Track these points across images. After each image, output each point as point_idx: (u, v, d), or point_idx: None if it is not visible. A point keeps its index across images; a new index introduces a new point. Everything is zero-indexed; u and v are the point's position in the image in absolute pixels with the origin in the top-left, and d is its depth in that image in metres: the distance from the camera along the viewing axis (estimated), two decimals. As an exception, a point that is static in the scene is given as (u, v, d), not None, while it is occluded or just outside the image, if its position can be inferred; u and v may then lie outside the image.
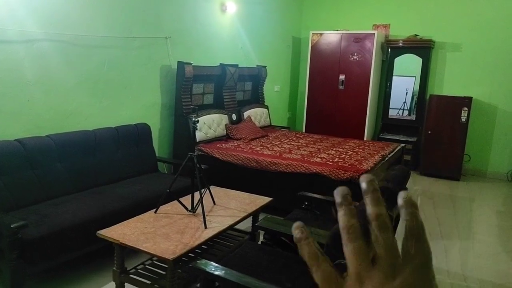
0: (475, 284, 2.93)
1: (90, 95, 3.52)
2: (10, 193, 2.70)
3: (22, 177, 2.79)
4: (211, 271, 1.82)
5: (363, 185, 0.38)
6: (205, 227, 2.51)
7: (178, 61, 4.19)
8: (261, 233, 2.97)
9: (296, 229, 0.38)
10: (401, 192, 0.37)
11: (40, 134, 3.06)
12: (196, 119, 2.67)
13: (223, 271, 1.82)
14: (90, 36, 3.43)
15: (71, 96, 3.36)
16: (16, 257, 2.25)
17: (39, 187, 2.88)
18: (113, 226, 2.46)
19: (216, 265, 1.88)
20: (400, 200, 0.36)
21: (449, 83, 5.98)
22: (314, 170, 3.57)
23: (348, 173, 3.43)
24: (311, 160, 3.77)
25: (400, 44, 5.96)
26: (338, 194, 0.38)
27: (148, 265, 2.62)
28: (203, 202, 2.62)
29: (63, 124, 3.28)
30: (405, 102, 6.47)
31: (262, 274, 2.02)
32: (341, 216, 0.36)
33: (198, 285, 1.88)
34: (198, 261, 1.89)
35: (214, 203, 2.91)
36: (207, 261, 1.90)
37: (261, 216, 2.96)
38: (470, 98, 5.49)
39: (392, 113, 6.33)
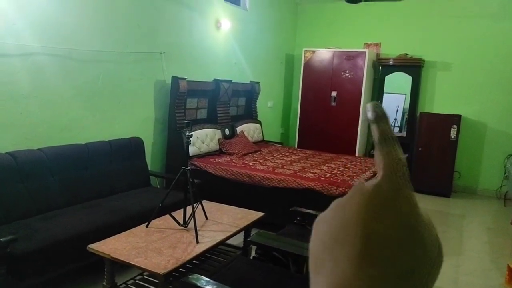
0: (466, 300, 2.94)
1: (84, 109, 3.52)
2: (0, 206, 2.67)
3: (12, 190, 2.77)
4: (203, 286, 1.81)
5: (369, 113, 0.39)
6: (197, 242, 2.50)
7: (172, 76, 4.23)
8: (253, 248, 2.96)
9: (370, 108, 0.39)
10: (368, 104, 0.39)
11: (33, 147, 3.05)
12: (190, 134, 2.69)
13: (215, 286, 1.81)
14: (85, 50, 3.46)
15: (65, 110, 3.36)
16: (5, 272, 2.22)
17: (30, 201, 2.85)
18: (104, 240, 2.44)
19: (208, 279, 1.87)
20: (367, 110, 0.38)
21: (439, 101, 6.09)
22: (307, 186, 3.59)
23: (340, 189, 3.46)
24: (304, 176, 3.79)
25: (391, 62, 6.08)
26: (370, 109, 0.39)
27: (139, 280, 2.59)
28: (195, 216, 2.62)
29: (56, 137, 3.27)
30: (395, 119, 6.55)
31: (254, 289, 2.01)
32: (377, 127, 0.38)
33: (190, 300, 1.86)
34: (190, 276, 1.88)
35: (206, 218, 2.90)
36: (199, 275, 1.90)
37: (253, 231, 2.96)
38: (459, 116, 5.59)
39: (383, 130, 6.38)
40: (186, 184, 2.72)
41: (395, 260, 0.34)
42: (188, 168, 2.73)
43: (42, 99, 3.17)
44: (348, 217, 0.36)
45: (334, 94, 6.27)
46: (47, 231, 2.53)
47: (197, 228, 2.57)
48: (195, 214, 2.64)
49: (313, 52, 6.41)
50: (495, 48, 5.63)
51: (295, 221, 2.98)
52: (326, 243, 0.37)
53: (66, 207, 3.02)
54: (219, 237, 2.61)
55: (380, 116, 0.38)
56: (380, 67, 6.23)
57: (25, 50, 3.01)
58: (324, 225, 0.39)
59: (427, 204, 5.31)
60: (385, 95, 6.24)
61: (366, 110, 0.39)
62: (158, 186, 4.18)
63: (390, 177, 0.35)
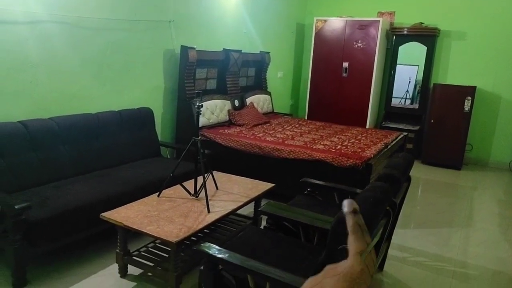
0: (476, 271, 2.95)
1: (93, 78, 3.49)
2: (13, 174, 2.69)
3: (24, 159, 2.79)
4: (215, 254, 1.82)
5: (345, 208, 0.56)
6: (208, 211, 2.52)
7: (181, 46, 4.15)
8: (263, 218, 2.98)
9: (348, 204, 0.53)
10: (345, 201, 0.54)
11: (43, 116, 3.05)
12: (201, 104, 2.65)
13: (227, 254, 1.82)
14: (94, 18, 3.39)
15: (75, 79, 3.33)
16: (20, 238, 2.26)
17: (41, 169, 2.87)
18: (116, 209, 2.46)
19: (220, 248, 1.88)
20: (344, 209, 0.54)
21: (453, 72, 5.94)
22: (317, 157, 3.57)
23: (351, 160, 3.43)
24: (314, 147, 3.76)
25: (405, 32, 5.90)
26: (347, 206, 0.54)
27: (151, 247, 2.64)
28: (206, 186, 2.63)
29: (66, 106, 3.26)
30: (407, 91, 6.43)
31: (265, 258, 2.03)
32: (349, 221, 0.52)
33: (202, 267, 1.88)
34: (201, 244, 1.89)
35: (217, 188, 2.91)
36: (211, 244, 1.91)
37: (263, 202, 2.97)
38: (474, 88, 5.46)
39: (395, 102, 6.29)
40: (197, 155, 2.72)
41: None
42: (199, 138, 2.71)
43: (51, 68, 3.14)
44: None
45: (345, 64, 6.13)
46: (59, 199, 2.56)
47: (208, 198, 2.57)
48: (206, 184, 2.64)
49: (325, 21, 6.23)
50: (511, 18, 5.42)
51: (305, 192, 2.97)
52: None
53: (77, 176, 3.04)
54: (230, 207, 2.62)
55: (355, 211, 0.53)
56: (394, 37, 6.05)
57: (33, 18, 2.95)
58: None
59: (437, 176, 5.28)
60: (397, 66, 6.10)
61: (343, 205, 0.53)
62: (168, 157, 4.18)
63: (358, 259, 0.48)
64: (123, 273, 2.53)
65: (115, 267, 2.57)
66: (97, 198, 2.68)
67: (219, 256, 1.81)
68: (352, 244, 0.49)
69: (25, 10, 2.89)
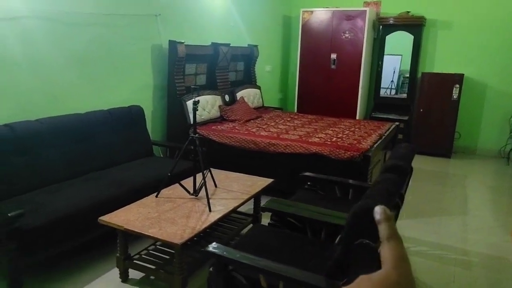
0: (476, 258, 2.97)
1: (79, 76, 3.36)
2: (2, 180, 2.56)
3: (12, 164, 2.65)
4: (225, 255, 1.76)
5: (378, 215, 0.48)
6: (210, 210, 2.45)
7: (169, 40, 4.04)
8: (264, 215, 2.93)
9: (381, 212, 0.47)
10: (376, 208, 0.48)
11: (30, 118, 2.90)
12: (197, 99, 2.57)
13: (238, 254, 1.76)
14: (76, 12, 3.25)
15: (60, 77, 3.19)
16: (14, 247, 2.14)
17: (31, 174, 2.74)
18: (115, 212, 2.37)
19: (229, 248, 1.82)
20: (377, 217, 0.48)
21: (440, 61, 5.97)
22: (314, 150, 3.53)
23: (349, 153, 3.40)
24: (310, 140, 3.72)
25: (391, 21, 5.90)
26: (379, 213, 0.48)
27: (152, 250, 2.56)
28: (206, 185, 2.55)
29: (53, 107, 3.12)
30: (392, 81, 6.45)
31: (275, 256, 1.98)
32: (384, 229, 0.47)
33: (211, 269, 1.82)
34: (210, 245, 1.82)
35: (216, 186, 2.84)
36: (219, 245, 1.84)
37: (263, 199, 2.92)
38: (462, 75, 5.50)
39: (382, 92, 6.30)
40: (192, 153, 2.63)
41: None
42: (197, 135, 2.63)
43: (34, 67, 2.99)
44: None
45: (333, 56, 6.10)
46: (52, 205, 2.45)
47: (209, 197, 2.50)
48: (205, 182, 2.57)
49: (311, 12, 6.18)
50: (498, 6, 5.47)
51: (305, 187, 2.93)
52: None
53: (69, 180, 2.92)
54: (232, 204, 2.55)
55: (389, 217, 0.47)
56: (381, 27, 6.05)
57: (13, 14, 2.80)
58: None
59: (427, 165, 5.32)
60: (384, 57, 6.10)
61: (374, 211, 0.48)
62: (162, 155, 4.08)
63: (397, 270, 0.43)
64: (124, 277, 2.45)
65: (115, 272, 2.47)
66: (92, 201, 2.58)
67: (230, 257, 1.75)
68: (387, 252, 0.44)
69: (3, 5, 2.73)
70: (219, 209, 2.48)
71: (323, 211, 2.25)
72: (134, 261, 2.41)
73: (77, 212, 2.47)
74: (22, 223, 2.17)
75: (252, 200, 2.95)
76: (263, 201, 2.47)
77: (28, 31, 2.92)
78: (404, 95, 6.19)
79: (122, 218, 2.29)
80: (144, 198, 2.60)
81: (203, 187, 2.55)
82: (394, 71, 6.43)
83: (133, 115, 3.66)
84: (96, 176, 3.01)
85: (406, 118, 5.98)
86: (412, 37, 5.86)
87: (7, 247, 2.13)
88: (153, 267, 2.38)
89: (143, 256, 2.48)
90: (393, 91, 6.46)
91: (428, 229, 3.41)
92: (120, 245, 2.35)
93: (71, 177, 2.96)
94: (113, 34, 3.61)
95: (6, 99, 2.84)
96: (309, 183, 2.93)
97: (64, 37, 3.19)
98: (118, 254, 2.38)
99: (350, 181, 2.81)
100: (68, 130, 3.05)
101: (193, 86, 2.55)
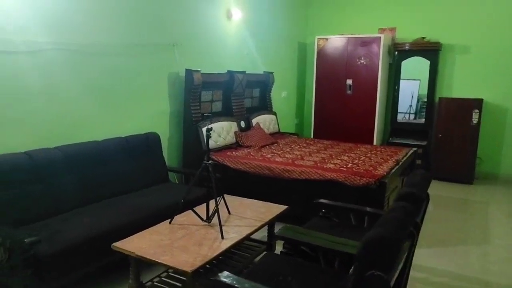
0: (499, 290, 2.84)
1: (97, 104, 3.46)
2: (19, 207, 2.61)
3: (30, 191, 2.71)
4: (234, 284, 1.74)
5: None
6: (222, 238, 2.44)
7: (186, 69, 4.14)
8: (279, 242, 2.89)
9: None
10: None
11: (48, 145, 2.98)
12: (210, 127, 2.61)
13: (246, 284, 1.74)
14: (95, 44, 3.38)
15: (78, 106, 3.29)
16: (30, 274, 2.17)
17: (48, 201, 2.80)
18: (128, 238, 2.39)
19: (238, 278, 1.80)
20: None
21: (458, 86, 5.91)
22: (329, 177, 3.50)
23: (364, 179, 3.36)
24: (325, 167, 3.69)
25: (407, 47, 5.91)
26: None
27: (164, 277, 2.55)
28: (219, 211, 2.55)
29: (71, 134, 3.20)
30: (410, 105, 6.41)
31: (286, 286, 1.94)
32: None
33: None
34: (220, 274, 1.81)
35: (229, 213, 2.83)
36: (229, 273, 1.82)
37: (277, 225, 2.89)
38: (481, 100, 5.42)
39: (399, 117, 6.25)
40: (206, 179, 2.65)
41: None
42: (210, 162, 2.65)
43: (53, 96, 3.10)
44: None
45: (349, 82, 6.13)
46: (68, 231, 2.48)
47: (221, 224, 2.50)
48: (218, 209, 2.57)
49: (326, 39, 6.26)
50: (516, 28, 5.44)
51: (320, 214, 2.89)
52: None
53: (85, 206, 2.97)
54: (245, 232, 2.54)
55: None
56: (396, 52, 6.06)
57: (34, 47, 2.93)
58: None
59: (448, 192, 5.19)
60: (400, 81, 6.09)
61: None
62: (177, 182, 4.12)
63: None
64: (136, 305, 2.43)
65: (127, 299, 2.47)
66: (107, 228, 2.60)
67: (238, 286, 1.73)
68: None
69: (25, 39, 2.87)
70: (232, 237, 2.47)
71: (337, 240, 2.21)
72: (146, 288, 2.41)
73: (92, 238, 2.49)
74: (37, 250, 2.20)
75: (266, 226, 2.93)
76: (277, 228, 2.45)
77: (48, 62, 3.04)
78: (422, 120, 6.12)
79: (135, 244, 2.30)
80: (158, 225, 2.61)
81: (216, 213, 2.55)
82: (413, 96, 6.40)
83: (150, 142, 3.73)
84: (111, 203, 3.05)
85: (424, 143, 5.89)
86: (429, 62, 5.84)
87: (23, 274, 2.16)
88: (165, 295, 2.36)
89: (155, 283, 2.47)
90: (412, 116, 6.40)
91: (447, 258, 3.29)
92: (133, 272, 2.35)
93: (87, 203, 3.01)
94: (131, 63, 3.73)
95: (26, 127, 2.94)
96: (323, 210, 2.90)
97: (82, 66, 3.31)
98: (130, 281, 2.38)
99: (366, 208, 2.76)
100: (85, 157, 3.12)
101: (205, 114, 2.59)
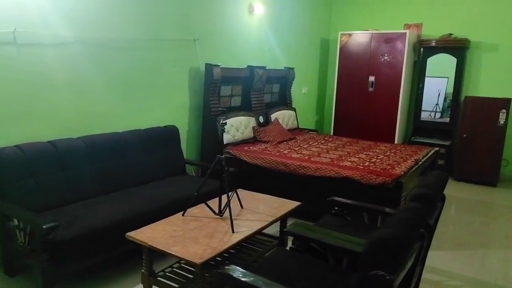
0: (518, 297, 2.76)
1: (119, 97, 3.55)
2: (42, 193, 2.74)
3: (53, 178, 2.83)
4: (239, 277, 1.76)
5: None
6: (233, 231, 2.46)
7: (206, 63, 4.18)
8: (290, 238, 2.90)
9: None
10: None
11: (71, 135, 3.10)
12: (224, 121, 2.63)
13: (251, 278, 1.76)
14: (119, 38, 3.47)
15: (101, 98, 3.40)
16: (47, 258, 2.27)
17: (69, 188, 2.91)
18: (141, 228, 2.45)
19: (244, 271, 1.82)
20: None
21: (485, 85, 5.73)
22: (344, 174, 3.47)
23: (380, 178, 3.31)
24: (341, 164, 3.66)
25: (433, 44, 5.76)
26: None
27: (176, 268, 2.60)
28: (231, 205, 2.58)
29: (93, 125, 3.32)
30: (437, 104, 6.24)
31: (293, 282, 1.95)
32: None
33: (227, 291, 1.83)
34: (226, 267, 1.84)
35: (242, 207, 2.86)
36: (235, 267, 1.85)
37: (289, 221, 2.90)
38: (508, 100, 5.23)
39: (424, 116, 6.10)
40: (221, 173, 2.68)
41: None
42: (223, 156, 2.68)
43: (78, 88, 3.21)
44: None
45: (372, 79, 6.03)
46: (86, 218, 2.57)
47: (233, 217, 2.52)
48: (231, 203, 2.59)
49: (350, 35, 6.17)
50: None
51: (333, 211, 2.88)
52: None
53: (104, 195, 3.07)
54: (255, 226, 2.55)
55: None
56: (422, 49, 5.91)
57: (60, 40, 3.04)
58: None
59: (470, 194, 5.05)
60: (426, 79, 5.94)
61: None
62: (194, 174, 4.18)
63: None
64: (148, 294, 2.50)
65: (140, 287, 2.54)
66: (124, 217, 2.69)
67: (243, 279, 1.75)
68: None
69: (51, 33, 2.97)
70: (243, 231, 2.49)
71: (347, 238, 2.20)
72: (158, 278, 2.46)
73: (108, 227, 2.57)
74: (55, 235, 2.29)
75: (279, 222, 2.94)
76: (289, 224, 2.45)
77: (73, 55, 3.15)
78: (447, 119, 5.96)
79: (148, 235, 2.36)
80: (171, 216, 2.66)
81: (228, 207, 2.57)
82: (439, 94, 6.23)
83: (169, 134, 3.80)
84: (128, 193, 3.14)
85: (448, 143, 5.74)
86: (455, 59, 5.67)
87: (41, 257, 2.26)
88: (175, 285, 2.41)
89: (167, 273, 2.52)
90: (438, 115, 6.23)
91: (465, 262, 3.21)
92: (145, 261, 2.41)
93: (105, 192, 3.10)
94: (154, 58, 3.81)
95: (51, 118, 3.06)
96: (336, 208, 2.88)
97: (106, 60, 3.41)
98: (143, 270, 2.44)
99: (379, 208, 2.73)
100: (105, 148, 3.21)
101: (220, 108, 2.61)
